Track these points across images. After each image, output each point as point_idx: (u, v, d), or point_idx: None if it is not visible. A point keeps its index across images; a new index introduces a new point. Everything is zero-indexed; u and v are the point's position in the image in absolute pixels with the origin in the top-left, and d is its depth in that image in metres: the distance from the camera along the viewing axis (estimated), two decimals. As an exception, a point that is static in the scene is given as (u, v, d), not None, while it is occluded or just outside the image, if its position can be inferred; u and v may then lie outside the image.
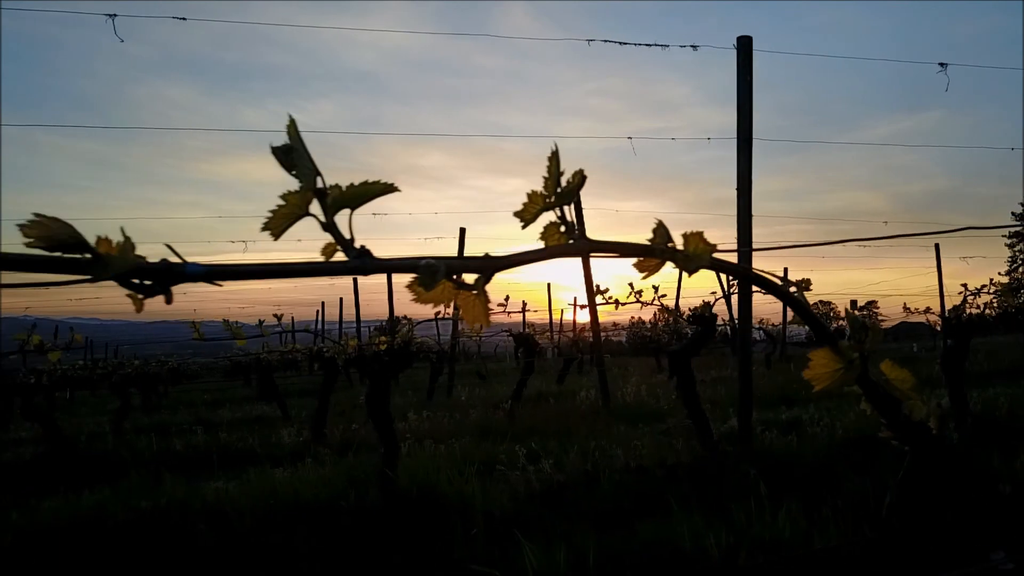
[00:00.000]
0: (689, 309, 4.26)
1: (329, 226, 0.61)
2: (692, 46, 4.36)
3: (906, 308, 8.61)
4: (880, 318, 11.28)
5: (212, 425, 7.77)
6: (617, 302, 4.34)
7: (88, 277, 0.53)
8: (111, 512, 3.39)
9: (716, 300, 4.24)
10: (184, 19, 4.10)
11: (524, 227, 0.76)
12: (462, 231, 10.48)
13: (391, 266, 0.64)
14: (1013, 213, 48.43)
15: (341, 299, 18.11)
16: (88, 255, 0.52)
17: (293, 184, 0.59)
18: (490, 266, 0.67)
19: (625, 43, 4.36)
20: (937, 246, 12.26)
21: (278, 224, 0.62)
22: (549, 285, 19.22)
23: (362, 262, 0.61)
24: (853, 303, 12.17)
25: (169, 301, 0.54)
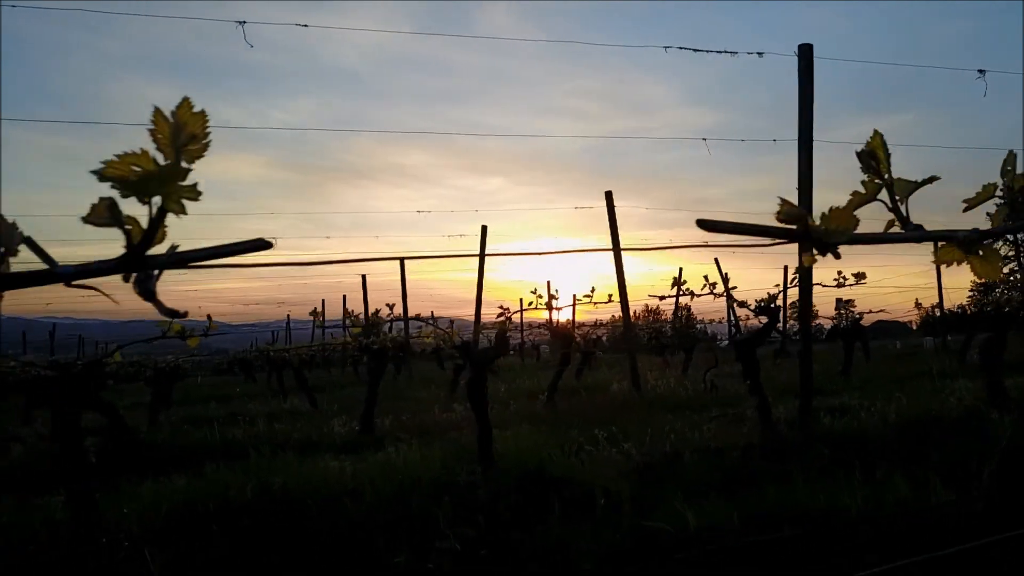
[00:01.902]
0: (755, 301, 4.55)
1: (895, 208, 0.87)
2: (758, 53, 4.68)
3: (918, 305, 9.04)
4: (857, 315, 11.68)
5: (252, 417, 7.91)
6: (692, 293, 4.62)
7: (781, 242, 0.78)
8: (239, 489, 3.60)
9: (778, 292, 4.52)
10: (306, 26, 4.31)
11: (965, 211, 1.02)
12: (484, 228, 10.76)
13: (935, 235, 0.89)
14: (988, 213, 49.38)
15: (344, 296, 18.26)
16: (798, 227, 0.77)
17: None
18: (981, 236, 0.93)
19: (698, 50, 4.69)
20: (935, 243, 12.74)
21: (854, 205, 0.87)
22: (549, 283, 19.48)
23: (918, 233, 0.87)
24: (839, 301, 12.63)
25: (838, 256, 0.80)
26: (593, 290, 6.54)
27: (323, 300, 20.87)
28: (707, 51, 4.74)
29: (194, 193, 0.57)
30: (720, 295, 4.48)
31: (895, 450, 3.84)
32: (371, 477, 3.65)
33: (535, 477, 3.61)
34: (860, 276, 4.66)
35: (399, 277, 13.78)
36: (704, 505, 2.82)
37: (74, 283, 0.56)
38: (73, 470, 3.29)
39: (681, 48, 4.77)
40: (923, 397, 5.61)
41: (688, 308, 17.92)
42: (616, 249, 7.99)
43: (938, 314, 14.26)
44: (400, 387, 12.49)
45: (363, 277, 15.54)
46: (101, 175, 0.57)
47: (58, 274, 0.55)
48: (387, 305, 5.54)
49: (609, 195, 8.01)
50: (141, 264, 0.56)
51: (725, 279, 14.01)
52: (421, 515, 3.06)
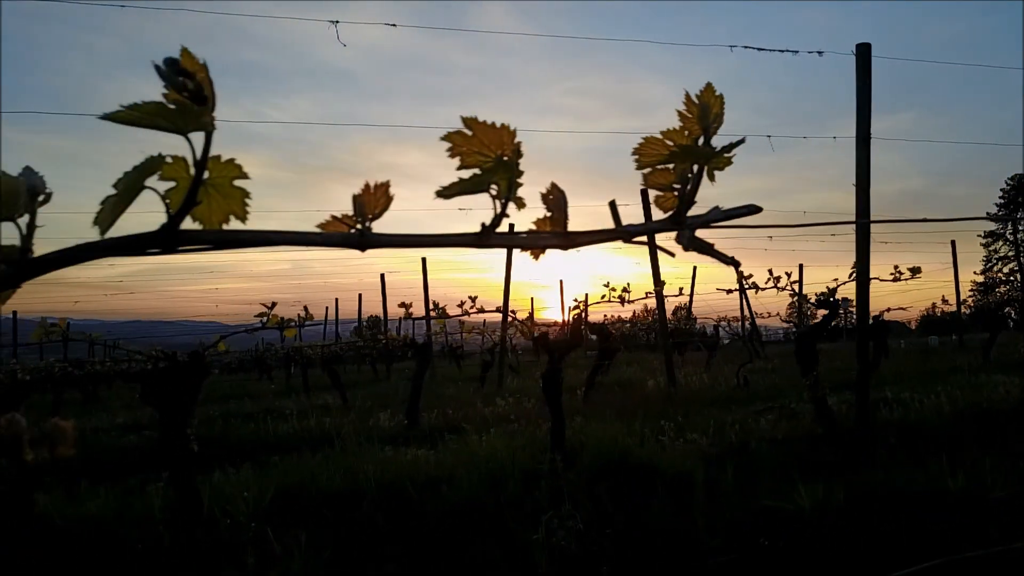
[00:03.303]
0: (815, 295, 4.66)
1: None
2: (818, 52, 4.81)
3: (944, 301, 9.16)
4: (878, 313, 11.74)
5: (295, 413, 7.99)
6: (756, 287, 4.73)
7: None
8: (329, 477, 3.70)
9: (839, 285, 4.63)
10: (395, 25, 4.41)
11: None
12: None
13: None
14: (988, 213, 49.55)
15: (360, 295, 18.34)
16: None
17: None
18: None
19: (763, 49, 4.82)
20: (953, 243, 12.88)
21: None
22: (562, 283, 19.62)
23: None
24: (845, 301, 12.73)
25: None
26: (663, 284, 6.62)
27: (336, 299, 20.94)
28: (770, 50, 4.88)
29: (726, 163, 0.67)
30: (782, 289, 4.59)
31: (960, 438, 3.96)
32: (454, 465, 3.75)
33: (618, 464, 3.71)
34: (916, 271, 4.76)
35: (410, 276, 13.91)
36: (802, 488, 2.93)
37: (633, 240, 0.66)
38: (178, 457, 3.38)
39: (746, 47, 4.93)
40: (964, 391, 5.73)
41: (687, 307, 18.04)
42: (652, 244, 8.08)
43: (951, 312, 14.42)
44: (424, 384, 12.55)
45: (382, 276, 15.63)
46: (636, 155, 0.67)
47: (625, 231, 0.65)
48: (470, 298, 5.59)
49: (645, 193, 8.15)
50: (682, 224, 0.66)
51: (740, 277, 13.98)
52: (522, 499, 3.16)
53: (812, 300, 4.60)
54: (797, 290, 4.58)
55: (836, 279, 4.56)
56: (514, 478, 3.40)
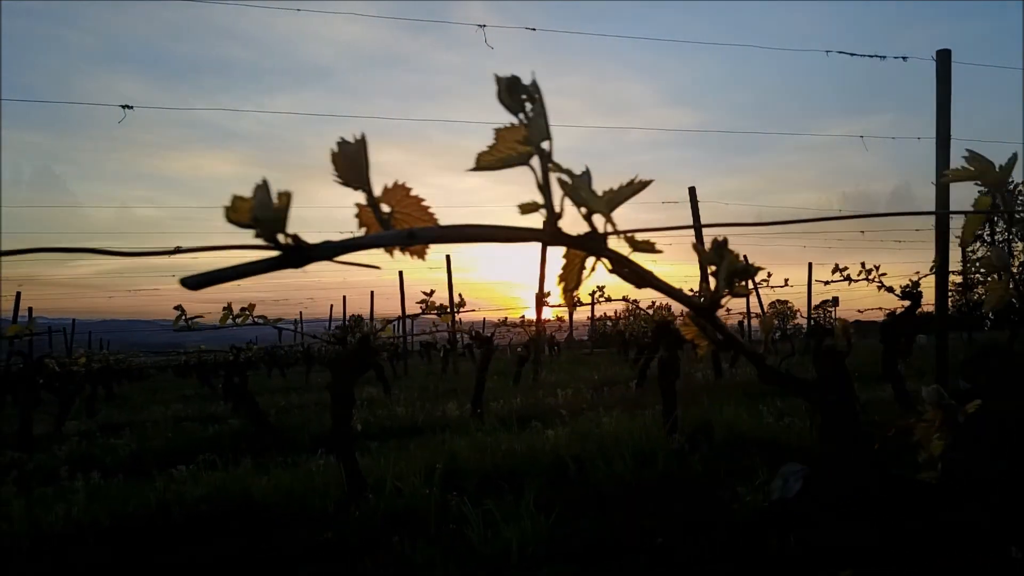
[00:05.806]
0: (899, 286, 4.93)
1: None
2: (903, 57, 5.09)
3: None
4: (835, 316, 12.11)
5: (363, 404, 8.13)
6: (850, 279, 4.98)
7: None
8: (477, 457, 3.91)
9: (921, 278, 4.92)
10: (534, 29, 4.58)
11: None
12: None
13: None
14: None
15: (345, 297, 18.40)
16: None
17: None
18: None
19: (855, 54, 5.09)
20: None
21: None
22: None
23: None
24: (834, 300, 13.15)
25: None
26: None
27: (344, 297, 21.01)
28: (861, 55, 5.14)
29: None
30: (872, 280, 4.86)
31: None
32: (583, 444, 3.99)
33: (740, 442, 3.97)
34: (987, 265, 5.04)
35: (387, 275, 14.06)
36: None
37: None
38: (344, 438, 3.56)
39: (840, 52, 5.20)
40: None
41: (668, 307, 18.36)
42: (699, 235, 8.36)
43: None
44: (449, 379, 12.66)
45: (400, 274, 15.77)
46: None
47: None
48: (598, 287, 5.76)
49: (692, 190, 8.43)
50: None
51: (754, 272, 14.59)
52: (673, 473, 3.40)
53: (898, 292, 4.87)
54: (883, 283, 4.85)
55: (918, 272, 4.84)
56: (662, 455, 3.62)
